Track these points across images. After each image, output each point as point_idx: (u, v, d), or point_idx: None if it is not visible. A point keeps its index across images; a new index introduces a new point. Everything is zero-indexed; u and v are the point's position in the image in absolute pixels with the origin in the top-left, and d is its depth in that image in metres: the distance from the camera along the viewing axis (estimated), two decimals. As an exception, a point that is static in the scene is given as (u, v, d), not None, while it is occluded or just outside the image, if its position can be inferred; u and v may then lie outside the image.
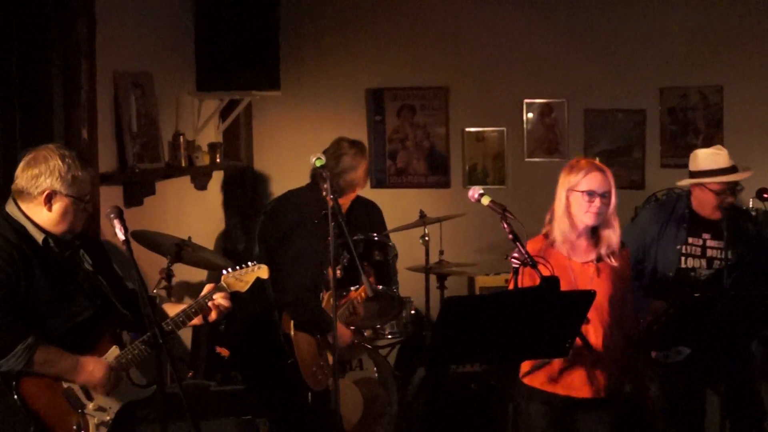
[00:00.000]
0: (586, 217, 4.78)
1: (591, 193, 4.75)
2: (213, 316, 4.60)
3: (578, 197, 4.78)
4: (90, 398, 4.34)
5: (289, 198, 6.05)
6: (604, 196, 4.75)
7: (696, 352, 5.48)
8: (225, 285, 4.63)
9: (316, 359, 5.86)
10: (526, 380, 4.87)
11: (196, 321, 4.60)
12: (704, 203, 5.70)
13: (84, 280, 4.45)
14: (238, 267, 4.73)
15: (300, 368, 5.74)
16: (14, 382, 4.16)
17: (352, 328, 6.14)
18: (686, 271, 5.74)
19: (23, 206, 4.33)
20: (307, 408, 5.91)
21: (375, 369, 6.81)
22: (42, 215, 4.32)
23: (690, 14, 7.89)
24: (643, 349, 5.72)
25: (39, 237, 4.33)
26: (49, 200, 4.30)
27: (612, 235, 4.85)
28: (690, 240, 5.76)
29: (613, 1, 8.00)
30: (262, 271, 4.76)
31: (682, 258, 5.75)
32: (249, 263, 4.77)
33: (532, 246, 4.80)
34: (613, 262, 4.87)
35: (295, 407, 5.90)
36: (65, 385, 4.29)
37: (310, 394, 5.90)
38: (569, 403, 4.85)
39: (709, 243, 5.73)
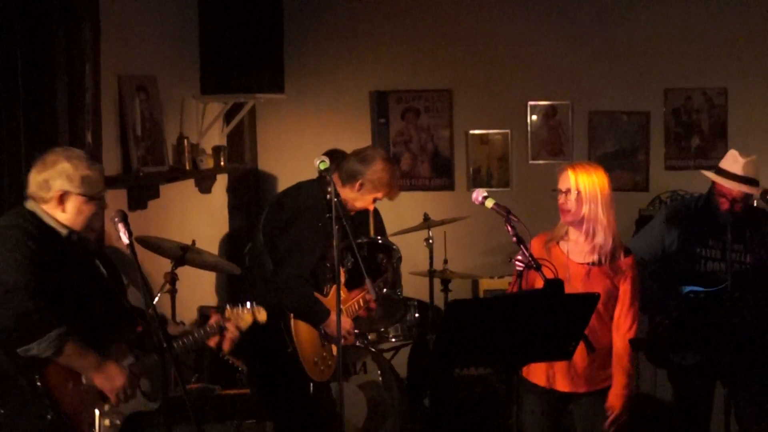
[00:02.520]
0: (562, 214, 4.96)
1: (557, 191, 4.95)
2: (226, 346, 4.81)
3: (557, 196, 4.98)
4: (105, 399, 4.36)
5: (294, 190, 6.04)
6: (568, 193, 4.91)
7: (704, 354, 5.48)
8: (229, 317, 4.84)
9: (317, 350, 5.83)
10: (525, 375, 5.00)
11: (212, 343, 4.80)
12: (718, 201, 5.68)
13: (101, 281, 4.50)
14: (240, 305, 4.94)
15: (300, 359, 5.71)
16: (39, 368, 4.17)
17: (355, 315, 6.12)
18: (706, 274, 5.72)
19: (45, 208, 4.40)
20: (308, 402, 5.89)
21: (379, 372, 6.81)
22: (59, 216, 4.39)
23: (694, 16, 7.89)
24: (652, 350, 5.74)
25: (63, 231, 4.40)
26: (62, 201, 4.36)
27: (600, 233, 4.92)
28: (710, 242, 5.74)
29: (616, 4, 8.00)
30: (261, 314, 4.96)
31: (702, 261, 5.73)
32: (248, 304, 4.97)
33: (538, 240, 5.02)
34: (609, 267, 4.93)
35: (296, 401, 5.87)
36: (85, 381, 4.32)
37: (311, 384, 5.88)
38: (563, 397, 5.01)
39: (729, 246, 5.69)
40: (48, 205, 4.38)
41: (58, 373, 4.23)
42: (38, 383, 4.17)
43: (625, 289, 4.99)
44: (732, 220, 5.61)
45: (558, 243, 5.01)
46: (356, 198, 5.75)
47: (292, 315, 5.67)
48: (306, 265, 5.66)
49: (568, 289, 4.62)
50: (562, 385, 4.99)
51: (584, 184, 4.92)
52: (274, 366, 5.83)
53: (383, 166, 5.72)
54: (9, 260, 4.20)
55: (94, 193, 4.41)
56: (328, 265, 5.74)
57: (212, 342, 4.78)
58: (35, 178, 4.39)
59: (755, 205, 6.10)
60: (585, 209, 4.91)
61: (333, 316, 5.59)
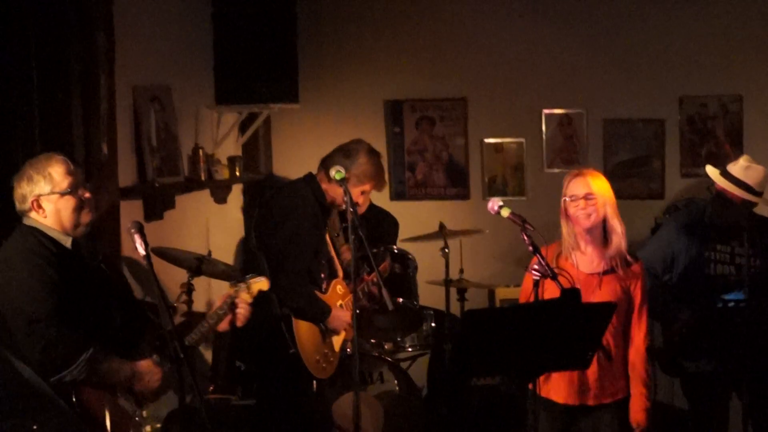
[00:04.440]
0: (579, 220, 4.92)
1: (573, 197, 4.91)
2: (240, 321, 4.76)
3: (569, 203, 4.93)
4: (140, 405, 4.38)
5: (282, 189, 6.11)
6: (588, 198, 4.89)
7: (720, 361, 5.47)
8: (236, 294, 4.78)
9: (319, 347, 5.84)
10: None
11: (224, 326, 4.75)
12: (724, 205, 5.68)
13: (115, 287, 4.53)
14: (242, 280, 4.89)
15: (302, 357, 5.72)
16: (72, 390, 4.20)
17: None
18: (716, 278, 5.71)
19: (34, 218, 4.44)
20: (311, 401, 5.90)
21: (396, 382, 6.80)
22: (48, 221, 4.43)
23: (709, 23, 7.86)
24: (666, 359, 5.72)
25: (67, 241, 4.43)
26: (39, 206, 4.41)
27: (616, 238, 4.92)
28: (718, 247, 5.73)
29: (631, 11, 7.98)
30: (263, 284, 4.90)
31: (711, 265, 5.72)
32: (249, 275, 4.94)
33: (549, 252, 4.96)
34: (621, 274, 4.92)
35: (300, 402, 5.88)
36: (119, 392, 4.35)
37: (314, 382, 5.89)
38: (573, 410, 4.96)
39: (738, 250, 5.69)
40: (32, 214, 4.42)
41: (91, 391, 4.24)
42: (74, 399, 4.18)
43: (637, 294, 4.97)
44: (744, 225, 5.60)
45: (564, 256, 4.98)
46: (342, 193, 5.79)
47: (293, 315, 5.70)
48: (302, 264, 5.71)
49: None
50: (572, 399, 4.95)
51: (599, 189, 4.92)
52: (277, 369, 5.85)
53: (367, 159, 5.83)
54: (28, 288, 4.22)
55: (63, 188, 4.42)
56: (323, 261, 5.78)
57: (225, 324, 4.74)
58: (15, 196, 4.46)
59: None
60: (603, 213, 4.89)
61: (335, 312, 5.67)
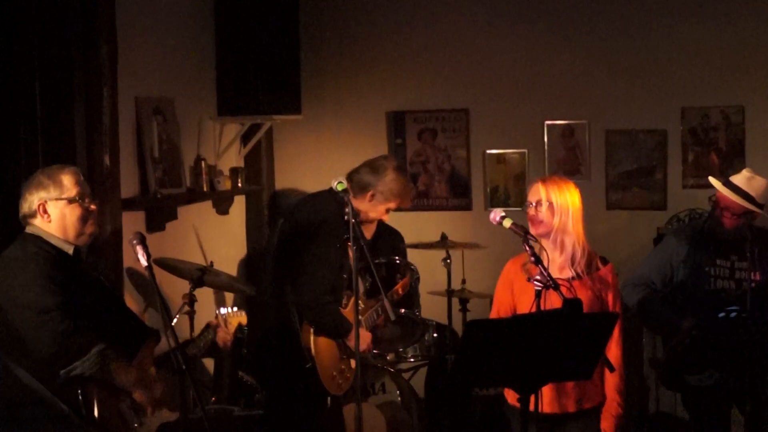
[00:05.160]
0: (531, 226, 4.95)
1: (528, 204, 4.97)
2: (220, 344, 5.04)
3: (527, 209, 5.00)
4: (138, 415, 4.39)
5: (308, 201, 6.03)
6: (538, 205, 4.93)
7: (722, 373, 5.46)
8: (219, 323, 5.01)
9: (336, 363, 5.82)
10: (509, 399, 4.96)
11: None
12: (722, 216, 5.67)
13: (113, 296, 4.55)
14: (227, 310, 5.20)
15: (318, 372, 5.69)
16: (82, 385, 4.20)
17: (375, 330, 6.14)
18: (716, 292, 5.70)
19: (39, 225, 4.47)
20: (325, 417, 5.88)
21: (398, 393, 6.80)
22: (51, 228, 4.45)
23: (711, 34, 7.88)
24: (668, 371, 5.71)
25: (69, 249, 4.46)
26: (45, 211, 4.45)
27: (569, 248, 4.91)
28: (718, 261, 5.72)
29: (633, 22, 7.99)
30: (242, 318, 5.22)
31: (711, 279, 5.71)
32: (232, 309, 5.30)
33: (514, 263, 5.06)
34: (587, 280, 4.90)
35: (314, 417, 5.85)
36: (121, 398, 4.35)
37: (329, 398, 5.87)
38: (556, 418, 4.92)
39: (737, 264, 5.69)
40: (37, 220, 4.46)
41: (98, 392, 4.25)
42: (80, 397, 4.18)
43: (610, 298, 4.96)
44: (740, 237, 5.60)
45: (533, 262, 4.97)
46: (369, 209, 5.78)
47: (312, 330, 5.66)
48: (328, 280, 5.64)
49: (552, 305, 4.63)
50: (550, 407, 4.88)
51: (555, 196, 4.92)
52: (292, 383, 5.81)
53: (394, 177, 5.77)
54: (36, 286, 4.25)
55: (71, 195, 4.47)
56: (345, 276, 5.74)
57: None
58: (22, 203, 4.51)
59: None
60: (556, 220, 4.90)
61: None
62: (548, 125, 8.15)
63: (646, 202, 7.97)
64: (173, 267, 6.33)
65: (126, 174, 6.25)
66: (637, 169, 8.06)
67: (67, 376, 4.14)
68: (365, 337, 5.84)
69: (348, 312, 5.77)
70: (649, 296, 5.77)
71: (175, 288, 6.49)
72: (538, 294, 4.57)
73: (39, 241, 4.41)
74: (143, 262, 4.29)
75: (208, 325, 5.17)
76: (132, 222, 6.29)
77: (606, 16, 8.03)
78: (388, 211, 5.87)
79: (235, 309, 5.68)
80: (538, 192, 4.95)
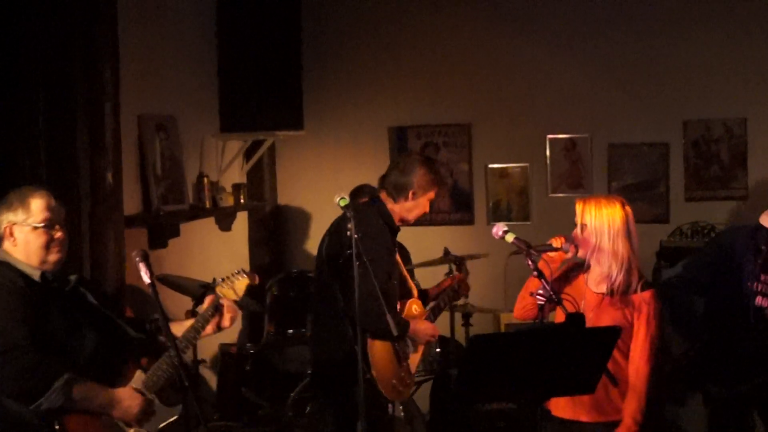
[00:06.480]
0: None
1: (576, 223, 4.98)
2: (226, 322, 4.75)
3: None
4: (129, 425, 4.36)
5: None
6: (582, 227, 4.94)
7: (740, 383, 5.44)
8: (221, 294, 4.81)
9: (396, 371, 5.79)
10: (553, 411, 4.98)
11: (210, 330, 4.72)
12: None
13: (90, 312, 4.49)
14: (227, 276, 4.95)
15: (378, 383, 5.68)
16: (57, 419, 4.15)
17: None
18: (759, 309, 5.62)
19: (6, 249, 4.40)
20: (388, 424, 5.87)
21: (401, 408, 6.78)
22: (17, 252, 4.38)
23: (713, 47, 7.88)
24: (677, 381, 5.70)
25: (35, 274, 4.39)
26: (11, 234, 4.38)
27: (605, 267, 4.91)
28: (762, 277, 5.63)
29: (635, 35, 8.00)
30: (246, 281, 4.98)
31: (752, 296, 5.61)
32: (236, 272, 4.99)
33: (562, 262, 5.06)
34: (621, 300, 4.89)
35: (378, 426, 5.82)
36: (104, 417, 4.31)
37: (390, 405, 5.87)
38: (566, 423, 4.93)
39: None
40: (6, 243, 4.40)
41: (76, 419, 4.20)
42: (57, 427, 4.15)
43: (639, 324, 4.92)
44: None
45: (581, 270, 5.03)
46: (413, 207, 5.82)
47: (370, 338, 5.63)
48: (379, 282, 5.60)
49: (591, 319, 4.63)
50: (567, 412, 4.93)
51: (590, 217, 4.93)
52: (353, 396, 5.77)
53: (425, 169, 5.84)
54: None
55: (37, 221, 4.37)
56: (395, 282, 5.76)
57: (212, 326, 4.70)
58: None
59: None
60: (593, 241, 4.91)
61: (415, 325, 5.69)
62: (550, 139, 8.16)
63: (648, 216, 7.96)
64: (176, 284, 6.33)
65: (129, 191, 6.26)
66: (639, 182, 8.06)
67: (39, 410, 4.11)
68: (424, 328, 5.87)
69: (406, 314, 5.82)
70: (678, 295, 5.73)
71: (178, 305, 6.48)
72: (540, 308, 4.57)
73: (5, 267, 4.35)
74: (146, 279, 4.26)
75: (214, 305, 4.93)
76: (135, 239, 6.29)
77: (607, 31, 8.04)
78: (430, 201, 5.94)
79: (240, 271, 5.37)
80: (576, 213, 4.98)
